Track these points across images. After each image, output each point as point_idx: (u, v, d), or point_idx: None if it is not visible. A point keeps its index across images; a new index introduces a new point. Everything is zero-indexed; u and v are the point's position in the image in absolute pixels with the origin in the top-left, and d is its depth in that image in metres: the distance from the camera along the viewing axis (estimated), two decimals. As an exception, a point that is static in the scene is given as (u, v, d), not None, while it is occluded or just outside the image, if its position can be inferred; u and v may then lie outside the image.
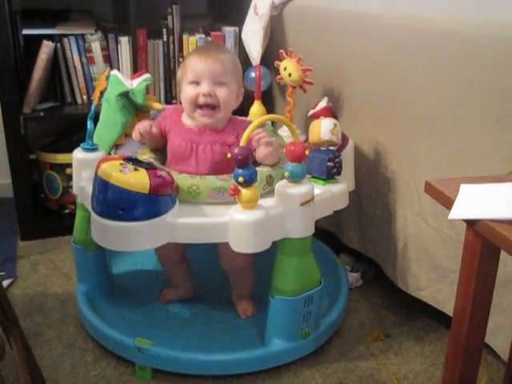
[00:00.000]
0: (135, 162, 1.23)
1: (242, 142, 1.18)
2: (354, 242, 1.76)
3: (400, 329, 1.56)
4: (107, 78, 1.45)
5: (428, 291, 1.47)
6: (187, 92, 1.40)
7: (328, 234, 1.86)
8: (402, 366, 1.43)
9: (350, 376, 1.40)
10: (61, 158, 2.00)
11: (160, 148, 1.50)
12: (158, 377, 1.38)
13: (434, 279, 1.44)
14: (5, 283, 1.72)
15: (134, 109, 1.54)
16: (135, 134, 1.44)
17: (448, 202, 0.88)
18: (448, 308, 1.42)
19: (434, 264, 1.42)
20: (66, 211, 2.08)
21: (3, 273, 1.78)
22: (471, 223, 0.85)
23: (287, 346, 1.38)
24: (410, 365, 1.43)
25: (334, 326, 1.50)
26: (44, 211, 2.09)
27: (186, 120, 1.46)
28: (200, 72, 1.38)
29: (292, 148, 1.25)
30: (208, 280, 1.67)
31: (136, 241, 1.22)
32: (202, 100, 1.39)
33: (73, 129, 2.09)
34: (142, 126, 1.42)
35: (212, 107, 1.39)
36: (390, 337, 1.53)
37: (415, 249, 1.48)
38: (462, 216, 0.84)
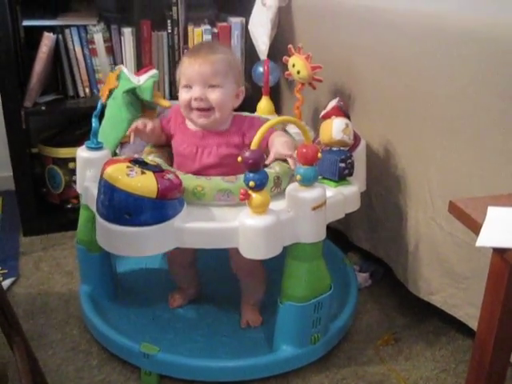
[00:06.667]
0: (142, 164, 1.19)
1: (253, 145, 1.13)
2: (363, 242, 1.72)
3: (410, 332, 1.53)
4: (118, 76, 1.40)
5: (440, 296, 1.43)
6: (181, 96, 1.39)
7: (335, 231, 1.83)
8: (412, 371, 1.40)
9: (359, 382, 1.37)
10: (63, 152, 1.96)
11: (162, 145, 1.48)
12: (164, 382, 1.35)
13: (446, 284, 1.40)
14: (7, 282, 1.69)
15: (140, 105, 1.50)
16: (131, 129, 1.41)
17: (474, 226, 0.82)
18: (461, 314, 1.39)
19: (447, 269, 1.39)
20: (69, 206, 2.04)
21: (6, 270, 1.75)
22: (500, 250, 0.80)
23: (296, 352, 1.35)
24: (421, 370, 1.40)
25: (343, 330, 1.47)
26: (46, 206, 2.05)
27: (190, 123, 1.44)
28: (190, 76, 1.37)
29: (304, 150, 1.20)
30: (215, 279, 1.63)
31: (143, 246, 1.18)
32: (194, 104, 1.37)
33: (75, 122, 2.04)
34: (141, 124, 1.40)
35: (206, 110, 1.37)
36: (400, 340, 1.50)
37: (427, 252, 1.44)
38: (492, 244, 0.80)
